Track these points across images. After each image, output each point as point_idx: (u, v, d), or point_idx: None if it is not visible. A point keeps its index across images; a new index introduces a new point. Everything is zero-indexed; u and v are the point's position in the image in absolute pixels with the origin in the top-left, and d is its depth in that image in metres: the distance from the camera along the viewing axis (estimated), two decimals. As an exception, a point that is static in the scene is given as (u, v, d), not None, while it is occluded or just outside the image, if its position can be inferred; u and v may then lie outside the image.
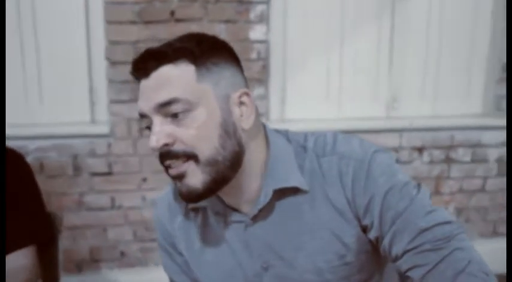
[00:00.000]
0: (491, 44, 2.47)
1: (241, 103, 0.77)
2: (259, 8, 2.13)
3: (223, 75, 0.76)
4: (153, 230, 2.25)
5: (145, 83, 0.75)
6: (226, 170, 0.75)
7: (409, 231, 0.73)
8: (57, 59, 2.10)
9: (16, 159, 1.25)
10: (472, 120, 2.49)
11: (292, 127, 0.95)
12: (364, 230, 0.79)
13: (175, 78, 0.73)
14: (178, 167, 0.74)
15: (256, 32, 2.15)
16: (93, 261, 2.25)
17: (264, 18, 2.16)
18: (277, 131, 0.85)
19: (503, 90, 2.47)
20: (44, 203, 1.31)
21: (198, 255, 0.89)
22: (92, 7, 2.09)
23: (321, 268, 0.81)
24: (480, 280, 0.69)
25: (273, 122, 2.19)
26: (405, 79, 2.44)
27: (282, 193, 0.79)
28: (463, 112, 2.52)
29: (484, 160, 2.50)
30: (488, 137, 2.48)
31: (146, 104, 0.74)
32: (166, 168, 0.76)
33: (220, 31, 2.09)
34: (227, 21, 2.11)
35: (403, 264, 0.75)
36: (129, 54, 2.08)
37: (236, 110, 0.76)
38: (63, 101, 2.14)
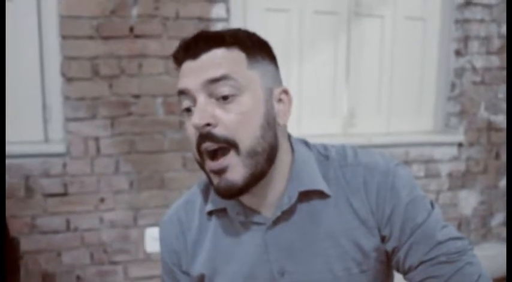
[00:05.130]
0: (439, 64, 2.49)
1: (280, 100, 0.76)
2: (219, 26, 2.04)
3: (269, 69, 0.76)
4: (111, 252, 2.09)
5: (191, 64, 0.72)
6: (264, 164, 0.73)
7: (426, 243, 0.73)
8: (8, 74, 1.90)
9: None
10: (425, 137, 2.48)
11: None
12: (383, 239, 0.77)
13: (228, 59, 0.71)
14: (220, 161, 0.71)
15: (216, 50, 2.04)
16: (46, 287, 2.03)
17: (224, 36, 2.06)
18: (297, 139, 0.83)
19: (451, 108, 2.48)
20: (8, 229, 1.16)
21: (212, 269, 0.83)
22: (45, 21, 1.92)
23: (339, 276, 0.77)
24: None
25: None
26: (361, 97, 2.42)
27: (305, 196, 0.77)
28: (416, 129, 2.52)
29: (437, 175, 2.48)
30: (440, 153, 2.47)
31: (193, 80, 0.71)
32: (202, 162, 0.73)
33: (180, 48, 1.98)
34: (187, 39, 2.00)
35: (417, 275, 0.74)
36: (86, 71, 1.93)
37: (275, 105, 0.75)
38: (15, 118, 1.94)
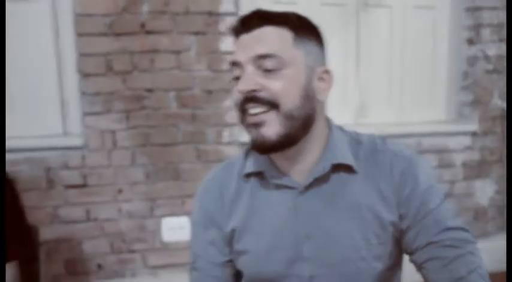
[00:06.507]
0: (450, 53, 2.45)
1: (321, 78, 0.84)
2: (228, 20, 2.06)
3: (314, 50, 0.84)
4: (129, 241, 2.15)
5: (245, 37, 0.82)
6: (299, 129, 0.81)
7: (436, 227, 0.81)
8: (28, 72, 1.99)
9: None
10: (437, 127, 2.45)
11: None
12: (400, 217, 0.85)
13: (276, 37, 0.80)
14: (259, 116, 0.79)
15: (226, 44, 2.07)
16: (69, 274, 2.11)
17: (233, 30, 2.08)
18: (334, 124, 0.92)
19: (464, 97, 2.44)
20: (26, 217, 1.22)
21: (244, 224, 0.90)
22: (62, 20, 2.00)
23: (359, 245, 0.85)
24: None
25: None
26: (372, 88, 2.40)
27: (337, 169, 0.85)
28: (428, 119, 2.49)
29: (451, 165, 2.45)
30: (454, 143, 2.43)
31: (244, 54, 0.80)
32: (243, 117, 0.82)
33: (190, 43, 2.02)
34: (197, 33, 2.04)
35: (423, 255, 0.82)
36: (101, 67, 1.99)
37: (316, 82, 0.83)
38: (35, 114, 2.02)
